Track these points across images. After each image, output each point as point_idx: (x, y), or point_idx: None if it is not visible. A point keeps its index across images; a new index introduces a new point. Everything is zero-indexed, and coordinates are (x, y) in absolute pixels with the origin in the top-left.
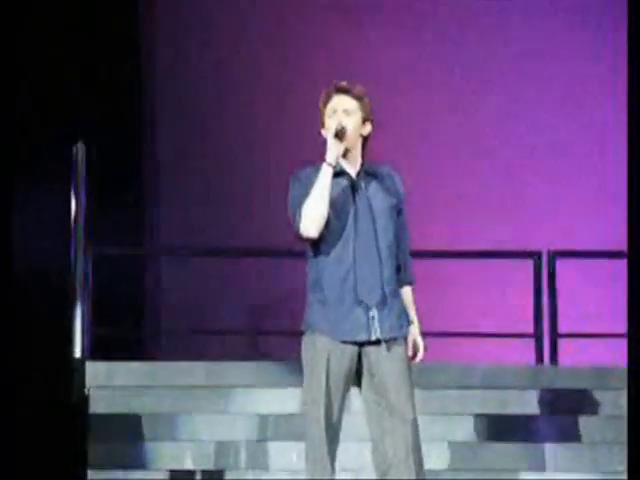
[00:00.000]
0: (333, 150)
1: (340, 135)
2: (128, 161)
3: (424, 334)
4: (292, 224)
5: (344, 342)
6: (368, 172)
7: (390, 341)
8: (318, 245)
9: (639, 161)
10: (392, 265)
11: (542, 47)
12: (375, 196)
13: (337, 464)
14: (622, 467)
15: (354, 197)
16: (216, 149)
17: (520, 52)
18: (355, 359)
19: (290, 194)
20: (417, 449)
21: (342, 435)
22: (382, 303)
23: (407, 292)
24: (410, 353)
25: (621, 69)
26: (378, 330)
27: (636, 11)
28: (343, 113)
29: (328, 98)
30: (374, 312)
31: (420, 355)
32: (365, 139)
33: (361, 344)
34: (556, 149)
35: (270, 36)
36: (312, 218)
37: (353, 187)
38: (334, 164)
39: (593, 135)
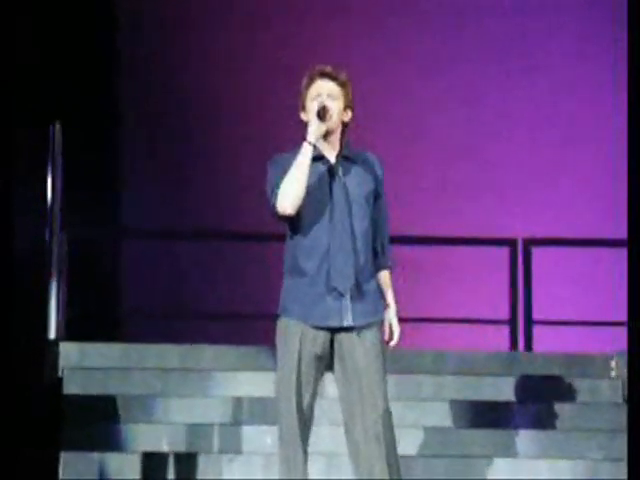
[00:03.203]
0: (315, 129)
1: (322, 115)
2: (104, 143)
3: (399, 319)
4: (269, 202)
5: (317, 327)
6: (346, 157)
7: (363, 328)
8: (294, 230)
9: (639, 155)
10: (367, 252)
11: (527, 42)
12: (352, 182)
13: (310, 448)
14: (598, 455)
15: (331, 183)
16: (194, 133)
17: (506, 46)
18: (327, 345)
19: (268, 176)
20: (390, 437)
21: (316, 419)
22: (355, 290)
23: (385, 276)
24: (386, 337)
25: (591, 55)
26: (350, 317)
27: (636, 10)
28: (328, 97)
29: (311, 82)
30: (347, 299)
31: (395, 339)
32: (345, 125)
33: (334, 330)
34: (536, 140)
35: (245, 21)
36: (289, 195)
37: (330, 173)
38: (314, 142)
39: (572, 127)
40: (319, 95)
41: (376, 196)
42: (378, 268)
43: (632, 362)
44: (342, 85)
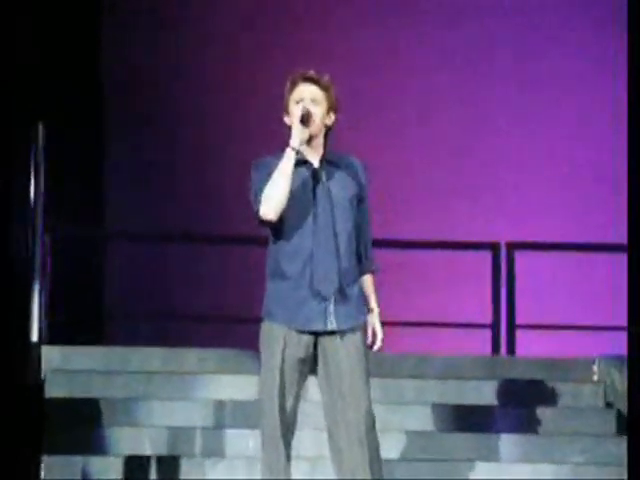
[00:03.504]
0: (298, 135)
1: (305, 120)
2: (88, 145)
3: (382, 323)
4: (252, 207)
5: (300, 331)
6: (330, 161)
7: (346, 331)
8: (277, 234)
9: (638, 158)
10: (350, 256)
11: (519, 44)
12: (335, 186)
13: (293, 452)
14: (581, 459)
15: (314, 187)
16: (179, 136)
17: (497, 49)
18: (311, 348)
19: (251, 180)
20: (373, 440)
21: (299, 423)
22: (339, 294)
23: (368, 280)
24: (369, 341)
25: (580, 56)
26: (334, 321)
27: (636, 11)
28: (311, 102)
29: (294, 86)
30: (330, 303)
31: (378, 343)
32: (328, 129)
33: (317, 333)
34: (522, 143)
35: (235, 23)
36: (272, 201)
37: (314, 177)
38: (297, 148)
39: (559, 130)
40: (302, 100)
41: (359, 200)
42: (361, 272)
43: (632, 367)
44: (325, 89)
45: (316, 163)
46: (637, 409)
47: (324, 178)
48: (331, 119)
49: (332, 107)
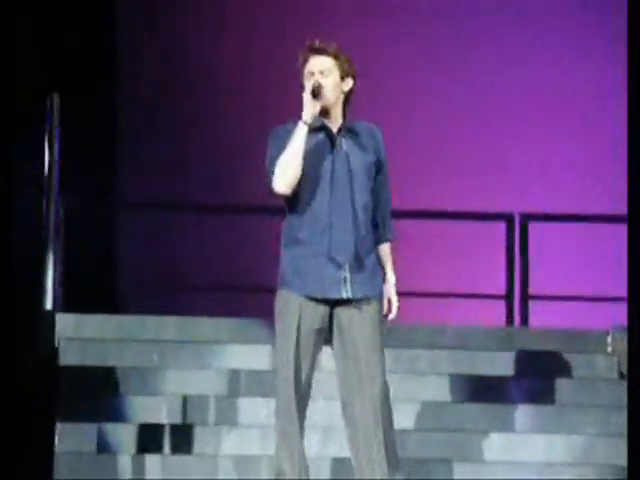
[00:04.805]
0: (309, 108)
1: (316, 93)
2: (101, 114)
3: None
4: (266, 177)
5: (316, 300)
6: (349, 129)
7: (362, 300)
8: (294, 201)
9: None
10: (368, 224)
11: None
12: (354, 153)
13: (306, 421)
14: (594, 430)
15: (332, 153)
16: (192, 106)
17: (513, 17)
18: (327, 317)
19: (268, 148)
20: (386, 410)
21: (312, 392)
22: (355, 262)
23: (385, 249)
24: (385, 311)
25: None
26: (350, 289)
27: (636, 10)
28: (320, 74)
29: (305, 60)
30: (346, 271)
31: (393, 313)
32: (347, 95)
33: (333, 303)
34: (535, 114)
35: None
36: (284, 175)
37: (332, 143)
38: (309, 122)
39: (573, 100)
40: (312, 74)
41: (379, 168)
42: (379, 240)
43: (632, 338)
44: (334, 57)
45: (335, 130)
46: (637, 381)
47: (343, 144)
48: (348, 84)
49: (346, 73)
